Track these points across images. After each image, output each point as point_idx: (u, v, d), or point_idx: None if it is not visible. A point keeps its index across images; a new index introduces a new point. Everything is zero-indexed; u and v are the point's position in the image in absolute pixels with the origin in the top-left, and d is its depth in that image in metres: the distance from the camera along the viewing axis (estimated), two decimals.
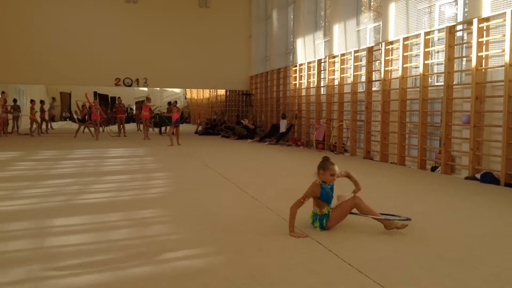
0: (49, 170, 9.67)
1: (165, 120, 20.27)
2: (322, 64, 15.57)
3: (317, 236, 4.59)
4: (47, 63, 20.73)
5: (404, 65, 10.90)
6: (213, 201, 6.47)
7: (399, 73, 10.99)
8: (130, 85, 22.50)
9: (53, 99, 27.06)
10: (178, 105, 24.48)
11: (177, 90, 40.09)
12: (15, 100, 21.45)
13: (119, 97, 22.09)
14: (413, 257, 4.03)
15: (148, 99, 19.52)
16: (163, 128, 23.09)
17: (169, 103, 23.41)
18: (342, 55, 14.01)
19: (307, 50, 17.07)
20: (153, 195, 7.10)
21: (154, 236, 4.69)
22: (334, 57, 14.58)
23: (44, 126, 22.26)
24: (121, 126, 21.08)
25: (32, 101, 20.79)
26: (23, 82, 23.98)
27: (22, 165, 10.44)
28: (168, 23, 22.19)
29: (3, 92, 19.44)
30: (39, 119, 21.16)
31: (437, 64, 10.56)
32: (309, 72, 16.57)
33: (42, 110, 21.75)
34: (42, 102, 22.11)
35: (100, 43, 21.36)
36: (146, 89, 35.10)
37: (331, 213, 4.89)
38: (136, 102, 35.33)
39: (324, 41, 16.42)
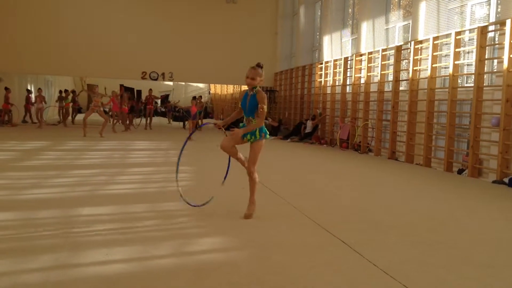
0: (76, 160, 9.84)
1: (186, 114, 20.37)
2: (349, 62, 15.43)
3: (341, 236, 4.55)
4: (75, 56, 21.07)
5: (434, 65, 10.72)
6: (236, 196, 6.47)
7: (428, 73, 10.82)
8: (156, 79, 22.72)
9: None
10: (202, 100, 24.59)
11: (201, 85, 40.31)
12: (60, 92, 22.02)
13: (150, 89, 22.27)
14: (439, 260, 3.97)
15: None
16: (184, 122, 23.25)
17: (194, 97, 23.55)
18: (370, 53, 13.86)
19: (334, 47, 16.94)
20: (176, 188, 7.14)
21: (179, 228, 4.74)
22: (361, 55, 14.44)
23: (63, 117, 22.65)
24: (149, 118, 21.21)
25: (65, 91, 21.44)
26: (51, 73, 24.47)
27: (50, 155, 10.66)
28: (195, 18, 22.29)
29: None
30: (70, 110, 21.65)
31: (467, 65, 10.36)
32: (335, 70, 16.44)
33: (74, 101, 22.19)
34: (74, 92, 22.53)
35: (127, 37, 21.59)
36: (171, 83, 35.38)
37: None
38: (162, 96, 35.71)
39: (351, 39, 16.27)
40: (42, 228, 4.54)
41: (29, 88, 22.28)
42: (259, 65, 5.09)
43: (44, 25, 20.72)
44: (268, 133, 5.26)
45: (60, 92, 22.06)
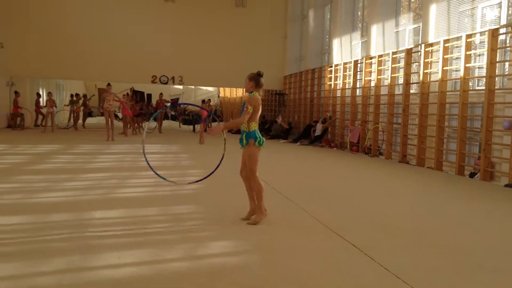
0: (88, 164, 9.92)
1: (197, 118, 20.51)
2: (359, 65, 15.40)
3: (352, 239, 4.54)
4: (86, 60, 21.26)
5: (444, 68, 10.67)
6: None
7: (439, 76, 10.76)
8: (166, 83, 22.84)
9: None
10: (211, 103, 24.70)
11: (210, 88, 40.44)
12: (71, 95, 22.27)
13: (161, 93, 22.45)
14: (450, 264, 3.96)
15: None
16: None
17: (203, 101, 23.66)
18: (380, 56, 13.82)
19: (344, 50, 16.92)
20: (188, 191, 7.17)
21: (190, 231, 4.75)
22: (371, 58, 14.41)
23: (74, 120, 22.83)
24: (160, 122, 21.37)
25: (77, 95, 21.69)
26: (62, 77, 24.68)
27: (61, 158, 10.74)
28: (205, 22, 22.38)
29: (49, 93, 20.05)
30: (81, 113, 21.87)
31: (478, 67, 10.29)
32: (345, 73, 16.41)
33: (85, 105, 22.38)
34: (85, 96, 22.73)
35: (138, 41, 21.72)
36: (181, 87, 35.54)
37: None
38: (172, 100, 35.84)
39: (361, 42, 16.24)
40: (54, 232, 4.58)
41: (40, 92, 22.51)
42: (259, 74, 5.16)
43: (56, 30, 20.91)
44: (261, 139, 5.07)
45: (72, 96, 22.29)
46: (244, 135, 5.08)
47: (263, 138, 5.14)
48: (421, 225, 5.32)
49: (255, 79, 5.14)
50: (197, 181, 5.73)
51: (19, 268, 3.55)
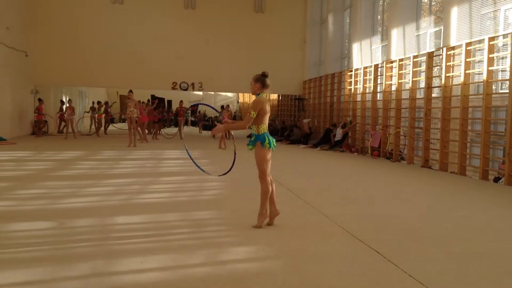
0: (110, 170, 10.04)
1: (218, 124, 20.64)
2: (379, 69, 15.28)
3: (375, 245, 4.50)
4: (108, 67, 21.56)
5: (467, 71, 10.52)
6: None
7: (461, 79, 10.61)
8: (186, 89, 23.00)
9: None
10: (230, 108, 24.80)
11: (230, 94, 40.63)
12: (93, 102, 22.62)
13: (181, 101, 22.66)
14: (479, 272, 3.88)
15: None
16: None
17: (222, 107, 23.76)
18: (401, 60, 13.70)
19: (364, 54, 16.81)
20: (209, 197, 7.22)
21: (212, 237, 4.77)
22: (392, 62, 14.29)
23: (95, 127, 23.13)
24: (181, 128, 21.61)
25: (99, 103, 22.02)
26: (85, 84, 25.08)
27: (85, 164, 10.90)
28: (224, 28, 22.49)
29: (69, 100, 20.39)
30: (103, 120, 22.16)
31: (502, 70, 10.12)
32: (365, 77, 16.30)
33: (106, 112, 22.69)
34: (106, 103, 23.06)
35: (158, 48, 21.94)
36: (201, 93, 35.78)
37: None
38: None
39: (382, 46, 16.12)
40: (79, 237, 4.65)
41: (63, 99, 22.91)
42: (264, 74, 5.15)
43: (78, 39, 21.26)
44: (270, 141, 5.07)
45: (93, 103, 22.63)
46: (253, 138, 5.12)
47: (273, 141, 5.12)
48: (445, 231, 5.23)
49: (261, 80, 5.15)
50: (225, 173, 5.89)
51: (44, 273, 3.60)
